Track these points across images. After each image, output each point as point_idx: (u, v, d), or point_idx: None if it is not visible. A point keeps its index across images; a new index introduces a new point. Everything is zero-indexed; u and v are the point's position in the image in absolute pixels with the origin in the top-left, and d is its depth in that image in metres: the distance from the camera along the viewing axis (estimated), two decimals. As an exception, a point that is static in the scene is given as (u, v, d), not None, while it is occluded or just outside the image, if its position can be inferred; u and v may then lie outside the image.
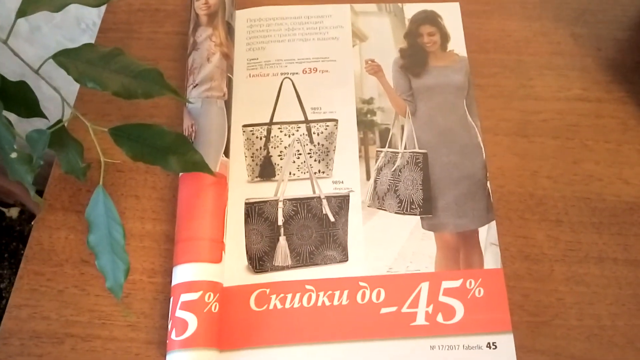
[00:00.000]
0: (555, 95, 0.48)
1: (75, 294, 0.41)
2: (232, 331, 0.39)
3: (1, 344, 0.39)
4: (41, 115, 0.39)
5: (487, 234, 0.42)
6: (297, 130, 0.46)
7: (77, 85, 0.47)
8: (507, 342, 0.39)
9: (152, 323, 0.40)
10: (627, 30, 0.51)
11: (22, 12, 0.34)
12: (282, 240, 0.42)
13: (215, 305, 0.38)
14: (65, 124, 0.39)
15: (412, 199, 0.44)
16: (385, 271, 0.41)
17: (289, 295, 0.40)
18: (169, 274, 0.41)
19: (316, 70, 0.49)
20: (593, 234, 0.42)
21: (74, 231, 0.43)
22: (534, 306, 0.40)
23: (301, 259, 0.42)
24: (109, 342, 0.40)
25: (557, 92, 0.48)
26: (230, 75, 0.46)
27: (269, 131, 0.46)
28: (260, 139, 0.46)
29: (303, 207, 0.43)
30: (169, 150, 0.37)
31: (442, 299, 0.40)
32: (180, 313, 0.37)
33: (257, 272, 0.41)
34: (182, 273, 0.39)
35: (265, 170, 0.45)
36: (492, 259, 0.41)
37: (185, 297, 0.38)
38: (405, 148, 0.45)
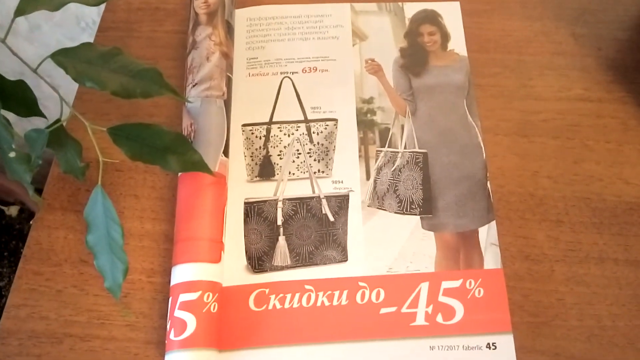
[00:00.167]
0: (555, 95, 0.48)
1: (74, 294, 0.41)
2: (231, 331, 0.39)
3: (0, 344, 0.39)
4: (40, 114, 0.39)
5: (487, 234, 0.42)
6: (297, 130, 0.46)
7: (77, 84, 0.47)
8: (507, 343, 0.39)
9: (150, 323, 0.40)
10: (627, 30, 0.51)
11: (20, 11, 0.34)
12: (282, 240, 0.42)
13: (214, 305, 0.38)
14: (64, 124, 0.39)
15: (412, 199, 0.43)
16: (385, 271, 0.41)
17: (289, 295, 0.40)
18: (167, 274, 0.41)
19: (316, 70, 0.49)
20: (593, 234, 0.42)
21: (72, 231, 0.43)
22: (534, 306, 0.40)
23: (300, 259, 0.42)
24: (108, 342, 0.39)
25: (558, 92, 0.48)
26: (229, 75, 0.46)
27: (268, 130, 0.46)
28: (260, 138, 0.46)
29: (302, 206, 0.43)
30: (168, 149, 0.37)
31: (442, 299, 0.40)
32: (179, 313, 0.37)
33: (256, 272, 0.41)
34: (181, 273, 0.38)
35: (265, 170, 0.45)
36: (492, 259, 0.41)
37: (184, 297, 0.38)
38: (405, 148, 0.45)
